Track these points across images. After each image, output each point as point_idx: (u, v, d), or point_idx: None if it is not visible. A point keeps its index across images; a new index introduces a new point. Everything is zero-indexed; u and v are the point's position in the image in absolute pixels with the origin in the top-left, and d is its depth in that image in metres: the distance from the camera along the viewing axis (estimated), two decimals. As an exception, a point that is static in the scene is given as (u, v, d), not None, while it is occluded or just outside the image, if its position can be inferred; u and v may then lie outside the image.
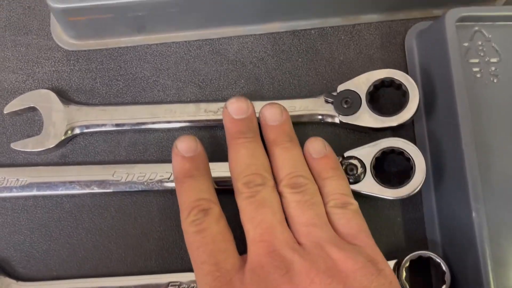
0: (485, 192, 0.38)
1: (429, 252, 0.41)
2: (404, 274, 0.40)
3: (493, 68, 0.42)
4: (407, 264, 0.41)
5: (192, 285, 0.41)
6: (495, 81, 0.42)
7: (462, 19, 0.42)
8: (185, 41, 0.48)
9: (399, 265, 0.41)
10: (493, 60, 0.43)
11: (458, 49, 0.41)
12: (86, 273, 0.42)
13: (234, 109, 0.39)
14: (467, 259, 0.39)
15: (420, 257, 0.41)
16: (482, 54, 0.43)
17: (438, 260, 0.40)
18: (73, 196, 0.44)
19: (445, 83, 0.41)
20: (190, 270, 0.41)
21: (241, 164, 0.37)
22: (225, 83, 0.47)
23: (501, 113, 0.41)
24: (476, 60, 0.43)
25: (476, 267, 0.37)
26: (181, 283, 0.41)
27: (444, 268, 0.40)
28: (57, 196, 0.44)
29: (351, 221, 0.36)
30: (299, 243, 0.35)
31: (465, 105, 0.39)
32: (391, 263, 0.41)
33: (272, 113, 0.39)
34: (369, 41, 0.48)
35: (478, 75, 0.42)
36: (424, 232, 0.43)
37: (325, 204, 0.37)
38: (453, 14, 0.42)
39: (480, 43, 0.43)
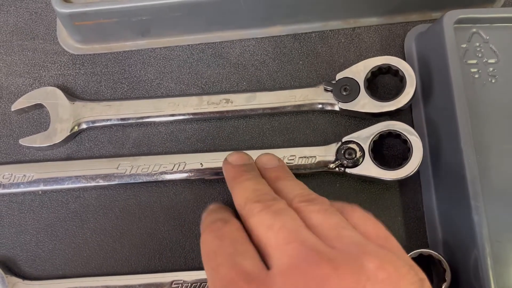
0: (484, 190, 0.38)
1: (430, 250, 0.41)
2: (405, 272, 0.41)
3: (491, 69, 0.43)
4: (408, 263, 0.41)
5: (195, 284, 0.42)
6: (493, 81, 0.43)
7: (460, 21, 0.43)
8: (188, 45, 0.49)
9: (400, 263, 0.41)
10: (491, 61, 0.43)
11: (456, 50, 0.41)
12: (91, 272, 0.43)
13: (234, 159, 0.38)
14: (467, 257, 0.39)
15: (420, 255, 0.41)
16: (480, 55, 0.44)
17: (439, 258, 0.41)
18: (78, 196, 0.45)
19: (443, 84, 0.42)
20: (193, 269, 0.43)
21: (247, 191, 0.34)
22: (227, 85, 0.48)
23: (499, 112, 0.42)
24: (474, 61, 0.43)
25: (476, 265, 0.38)
26: (184, 282, 0.42)
27: (444, 265, 0.40)
28: (63, 196, 0.45)
29: (377, 226, 0.32)
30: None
31: (464, 105, 0.40)
32: (392, 261, 0.42)
33: (269, 158, 0.39)
34: (368, 44, 0.49)
35: (476, 76, 0.43)
36: (424, 231, 0.44)
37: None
38: (451, 16, 0.42)
39: (478, 44, 0.44)
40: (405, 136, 0.42)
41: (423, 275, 0.29)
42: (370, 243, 0.30)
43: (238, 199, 0.34)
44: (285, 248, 0.29)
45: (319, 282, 0.27)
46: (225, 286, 0.28)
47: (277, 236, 0.30)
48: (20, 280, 0.42)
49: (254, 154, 0.42)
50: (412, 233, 0.44)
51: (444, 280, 0.40)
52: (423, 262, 0.42)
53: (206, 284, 0.42)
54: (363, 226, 0.32)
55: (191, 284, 0.42)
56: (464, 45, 0.44)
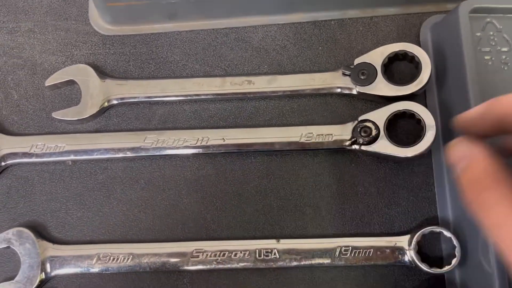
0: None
1: (440, 227, 0.43)
2: (416, 248, 0.43)
3: (503, 57, 0.45)
4: (419, 239, 0.43)
5: (216, 253, 0.44)
6: (505, 68, 0.45)
7: (475, 11, 0.45)
8: (213, 29, 0.51)
9: (412, 239, 0.43)
10: (504, 49, 0.45)
11: (471, 38, 0.43)
12: (117, 239, 0.45)
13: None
14: (476, 235, 0.41)
15: (431, 232, 0.43)
16: (493, 43, 0.45)
17: (449, 234, 0.42)
18: (106, 168, 0.47)
19: (458, 71, 0.44)
20: (214, 239, 0.45)
21: None
22: (249, 68, 0.50)
23: (510, 98, 0.44)
24: (488, 49, 0.45)
25: (485, 242, 0.39)
26: (205, 251, 0.44)
27: (454, 242, 0.42)
28: (91, 167, 0.47)
29: None
30: None
31: (477, 91, 0.42)
32: (405, 238, 0.44)
33: None
34: (385, 32, 0.51)
35: (489, 63, 0.45)
36: (435, 210, 0.46)
37: None
38: (466, 6, 0.44)
39: (491, 33, 0.46)
40: (419, 115, 0.44)
41: None
42: None
43: None
44: None
45: None
46: None
47: None
48: (50, 244, 0.45)
49: (273, 131, 0.45)
50: (424, 212, 0.46)
51: (454, 256, 0.42)
52: (434, 239, 0.44)
53: (227, 253, 0.44)
54: None
55: (212, 253, 0.44)
56: (478, 34, 0.46)
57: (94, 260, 0.44)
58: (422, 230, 0.43)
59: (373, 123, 0.45)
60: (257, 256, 0.44)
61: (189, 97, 0.48)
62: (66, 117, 0.47)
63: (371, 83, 0.47)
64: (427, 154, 0.45)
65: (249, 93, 0.48)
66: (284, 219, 0.46)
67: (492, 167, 0.28)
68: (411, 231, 0.44)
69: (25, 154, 0.46)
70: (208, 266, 0.44)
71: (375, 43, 0.51)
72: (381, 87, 0.46)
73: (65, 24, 0.52)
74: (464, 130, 0.33)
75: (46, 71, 0.50)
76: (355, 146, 0.45)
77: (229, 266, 0.43)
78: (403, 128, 0.47)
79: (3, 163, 0.46)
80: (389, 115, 0.45)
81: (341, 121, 0.48)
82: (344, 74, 0.48)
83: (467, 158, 0.30)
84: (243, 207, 0.46)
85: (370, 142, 0.44)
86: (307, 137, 0.46)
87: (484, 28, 0.46)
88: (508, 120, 0.30)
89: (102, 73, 0.50)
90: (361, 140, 0.45)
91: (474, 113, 0.33)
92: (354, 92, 0.47)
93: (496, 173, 0.28)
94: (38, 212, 0.46)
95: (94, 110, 0.47)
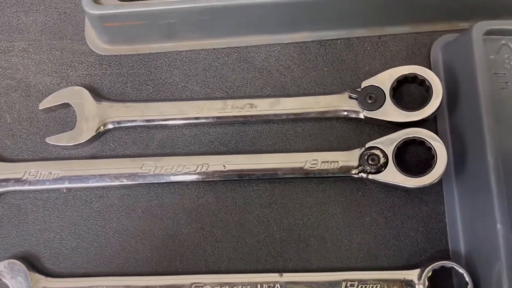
0: (510, 203, 0.38)
1: (452, 262, 0.41)
2: (426, 283, 0.41)
3: (519, 81, 0.43)
4: (430, 274, 0.41)
5: (215, 287, 0.42)
6: (521, 93, 0.42)
7: (489, 32, 0.43)
8: (214, 49, 0.49)
9: (422, 274, 0.41)
10: (520, 73, 0.43)
11: (485, 61, 0.41)
12: (113, 271, 0.44)
13: None
14: (490, 270, 0.39)
15: (442, 267, 0.41)
16: (508, 67, 0.43)
17: (461, 270, 0.40)
18: (102, 196, 0.45)
19: (471, 95, 0.42)
20: (213, 272, 0.43)
21: None
22: (251, 90, 0.48)
23: (526, 125, 0.42)
24: (503, 73, 0.43)
25: (499, 278, 0.37)
26: (204, 284, 0.42)
27: (467, 279, 0.40)
28: (87, 195, 0.45)
29: None
30: None
31: (491, 116, 0.40)
32: (414, 272, 0.42)
33: None
34: (394, 52, 0.49)
35: (504, 87, 0.43)
36: (446, 242, 0.44)
37: None
38: (480, 27, 0.42)
39: (507, 56, 0.43)
40: (430, 143, 0.41)
41: None
42: None
43: None
44: None
45: None
46: None
47: None
48: (43, 277, 0.43)
49: (277, 157, 0.43)
50: (434, 244, 0.44)
51: (467, 293, 0.40)
52: (445, 273, 0.42)
53: (227, 287, 0.42)
54: None
55: (211, 287, 0.42)
56: (492, 57, 0.43)
57: (89, 294, 0.42)
58: (432, 265, 0.41)
59: (381, 150, 0.43)
60: (259, 290, 0.42)
61: (188, 121, 0.46)
62: (60, 143, 0.45)
63: (379, 108, 0.44)
64: (437, 182, 0.43)
65: (251, 116, 0.46)
66: (288, 250, 0.44)
67: None
68: (420, 265, 0.42)
69: (17, 181, 0.44)
70: (208, 301, 0.42)
71: (383, 63, 0.49)
72: (390, 112, 0.44)
73: (60, 44, 0.50)
74: None
75: (40, 93, 0.48)
76: (362, 175, 0.43)
77: (229, 301, 0.42)
78: (413, 154, 0.45)
79: (-5, 191, 0.45)
80: (398, 143, 0.43)
81: (348, 147, 0.45)
82: (350, 97, 0.46)
83: None
84: (245, 238, 0.44)
85: (378, 171, 0.42)
86: (312, 164, 0.44)
87: (499, 50, 0.44)
88: None
89: (99, 95, 0.48)
90: (368, 169, 0.43)
91: None
92: (361, 116, 0.45)
93: None
94: (31, 242, 0.45)
95: (89, 135, 0.46)
